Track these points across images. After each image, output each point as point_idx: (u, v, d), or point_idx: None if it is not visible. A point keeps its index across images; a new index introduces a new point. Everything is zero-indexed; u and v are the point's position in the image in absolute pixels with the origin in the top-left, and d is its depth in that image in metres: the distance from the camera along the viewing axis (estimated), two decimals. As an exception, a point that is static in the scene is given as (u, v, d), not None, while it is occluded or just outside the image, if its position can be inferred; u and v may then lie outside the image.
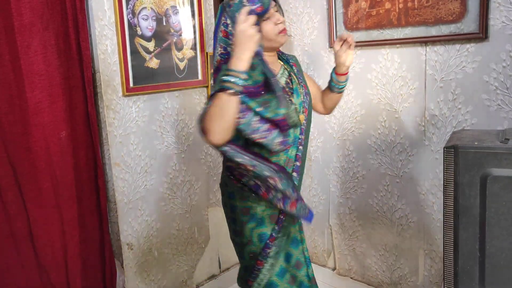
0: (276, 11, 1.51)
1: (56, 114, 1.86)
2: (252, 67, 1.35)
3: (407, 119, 2.12)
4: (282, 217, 1.56)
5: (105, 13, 1.98)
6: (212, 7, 2.48)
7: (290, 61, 1.67)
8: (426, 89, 2.03)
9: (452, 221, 1.25)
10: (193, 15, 2.33)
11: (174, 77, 2.28)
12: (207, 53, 2.40)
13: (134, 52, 2.09)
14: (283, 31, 1.50)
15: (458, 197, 1.23)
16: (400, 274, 2.29)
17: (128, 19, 2.05)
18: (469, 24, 1.84)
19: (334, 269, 2.62)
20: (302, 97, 1.60)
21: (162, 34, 2.20)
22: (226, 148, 1.39)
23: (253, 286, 1.58)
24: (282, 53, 1.69)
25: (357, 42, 2.23)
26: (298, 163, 1.57)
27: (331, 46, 2.34)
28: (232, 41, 1.38)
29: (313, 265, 2.71)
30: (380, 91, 2.20)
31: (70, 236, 1.95)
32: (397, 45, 2.09)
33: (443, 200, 1.27)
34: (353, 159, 2.38)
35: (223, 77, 1.28)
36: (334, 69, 1.66)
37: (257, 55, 1.36)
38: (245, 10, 1.30)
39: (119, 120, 2.08)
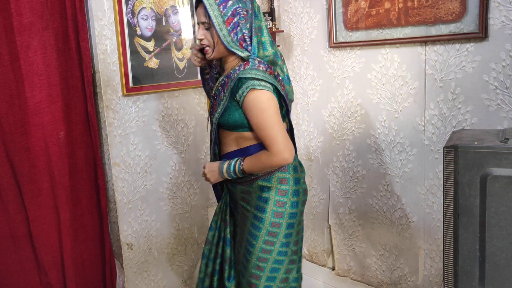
0: (202, 22, 1.53)
1: (55, 114, 1.86)
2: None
3: (407, 119, 2.12)
4: None
5: (104, 13, 1.98)
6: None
7: (231, 82, 1.52)
8: (426, 88, 2.03)
9: (452, 221, 1.25)
10: (192, 15, 2.33)
11: (174, 77, 2.28)
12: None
13: (134, 52, 2.09)
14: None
15: (458, 197, 1.23)
16: (400, 274, 2.29)
17: (127, 19, 2.04)
18: (468, 23, 1.84)
19: (333, 269, 2.62)
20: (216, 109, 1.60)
21: (162, 34, 2.20)
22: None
23: None
24: (238, 69, 1.51)
25: (357, 42, 2.24)
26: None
27: (330, 46, 2.34)
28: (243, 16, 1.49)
29: (312, 265, 2.73)
30: (380, 91, 2.20)
31: (69, 236, 1.95)
32: (397, 45, 2.09)
33: (443, 200, 1.27)
34: (353, 158, 2.38)
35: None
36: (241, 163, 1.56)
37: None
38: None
39: (119, 120, 2.08)
